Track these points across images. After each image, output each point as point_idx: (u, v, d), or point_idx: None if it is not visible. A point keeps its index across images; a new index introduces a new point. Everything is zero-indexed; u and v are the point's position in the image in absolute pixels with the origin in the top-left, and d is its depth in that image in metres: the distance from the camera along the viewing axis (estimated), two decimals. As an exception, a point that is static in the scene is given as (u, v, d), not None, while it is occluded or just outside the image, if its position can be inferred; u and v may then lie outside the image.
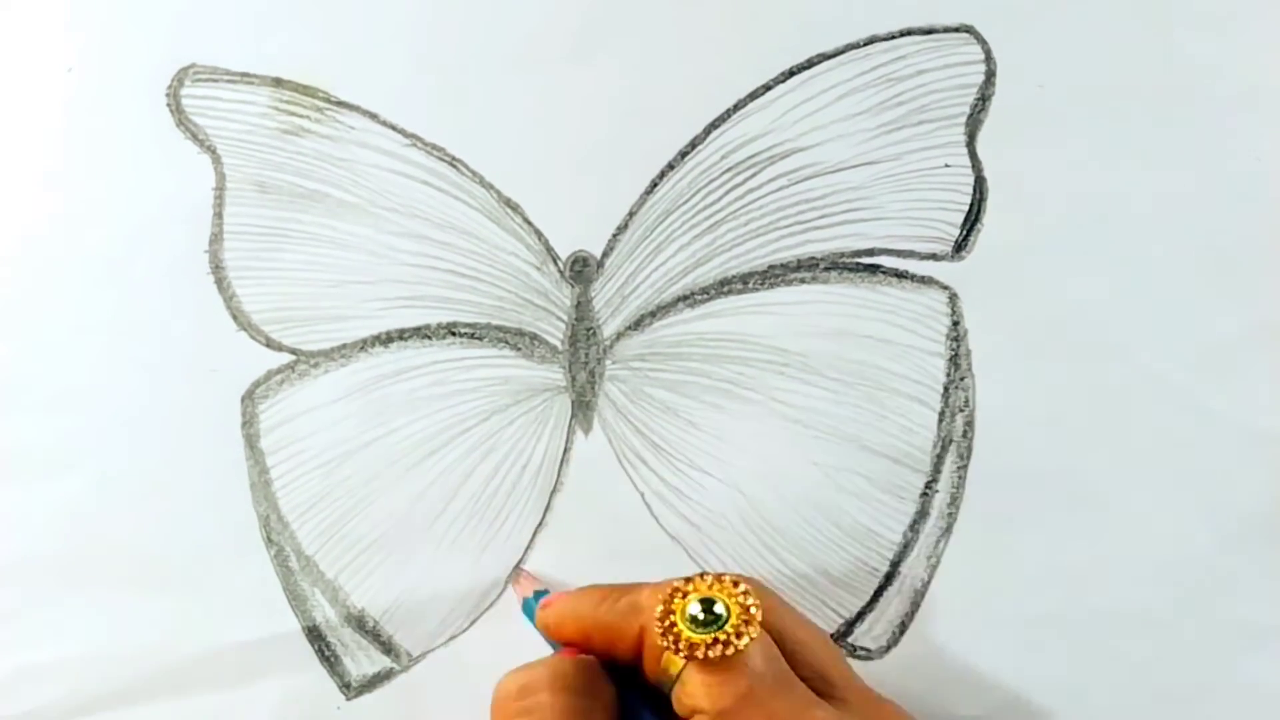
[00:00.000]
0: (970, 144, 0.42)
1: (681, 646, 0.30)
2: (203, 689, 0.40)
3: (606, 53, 0.42)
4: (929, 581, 0.41)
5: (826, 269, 0.42)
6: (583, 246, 0.42)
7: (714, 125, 0.42)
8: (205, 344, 0.41)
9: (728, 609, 0.31)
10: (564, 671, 0.33)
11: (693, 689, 0.31)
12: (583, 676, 0.33)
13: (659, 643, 0.31)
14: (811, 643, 0.34)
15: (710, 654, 0.30)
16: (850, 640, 0.41)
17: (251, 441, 0.41)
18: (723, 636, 0.30)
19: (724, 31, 0.42)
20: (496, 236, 0.42)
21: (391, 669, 0.41)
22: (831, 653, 0.35)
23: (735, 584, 0.32)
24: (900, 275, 0.42)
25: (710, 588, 0.31)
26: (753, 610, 0.31)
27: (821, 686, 0.33)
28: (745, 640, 0.30)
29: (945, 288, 0.42)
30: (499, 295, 0.42)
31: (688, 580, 0.32)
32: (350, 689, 0.41)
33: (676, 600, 0.31)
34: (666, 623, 0.31)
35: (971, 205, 0.42)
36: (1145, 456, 0.41)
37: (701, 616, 0.31)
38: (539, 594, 0.39)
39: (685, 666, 0.31)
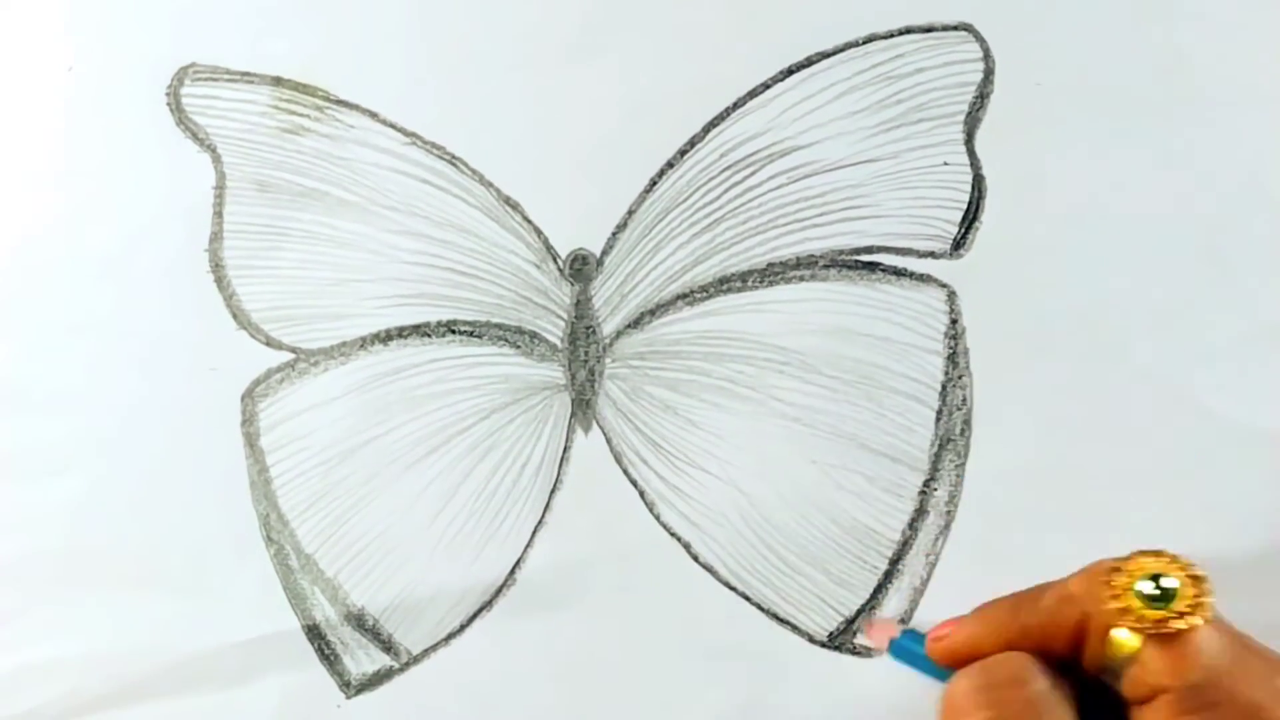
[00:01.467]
0: (969, 142, 0.42)
1: (1144, 623, 0.30)
2: (203, 688, 0.40)
3: (606, 52, 0.42)
4: (928, 579, 0.41)
5: (825, 267, 0.42)
6: (582, 245, 0.42)
7: (713, 124, 0.42)
8: (205, 342, 0.42)
9: (1179, 583, 0.30)
10: (1025, 665, 0.32)
11: (1155, 666, 0.30)
12: (1043, 669, 0.32)
13: (1115, 623, 0.30)
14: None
15: (1177, 626, 0.29)
16: (850, 639, 0.41)
17: (251, 440, 0.41)
18: (1189, 605, 0.30)
19: (723, 30, 0.42)
20: (496, 235, 0.42)
21: (391, 667, 0.41)
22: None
23: (1175, 558, 0.31)
24: (899, 273, 0.42)
25: (1153, 563, 0.31)
26: (1202, 577, 0.30)
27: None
28: (1209, 612, 0.30)
29: (944, 285, 0.42)
30: (498, 293, 0.42)
31: (1125, 559, 0.31)
32: (350, 687, 0.41)
33: (1120, 578, 0.31)
34: (1121, 604, 0.30)
35: (970, 203, 0.42)
36: (1145, 456, 0.41)
37: (1154, 592, 0.30)
38: (908, 633, 0.37)
39: (1144, 645, 0.30)
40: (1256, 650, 0.31)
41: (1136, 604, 0.30)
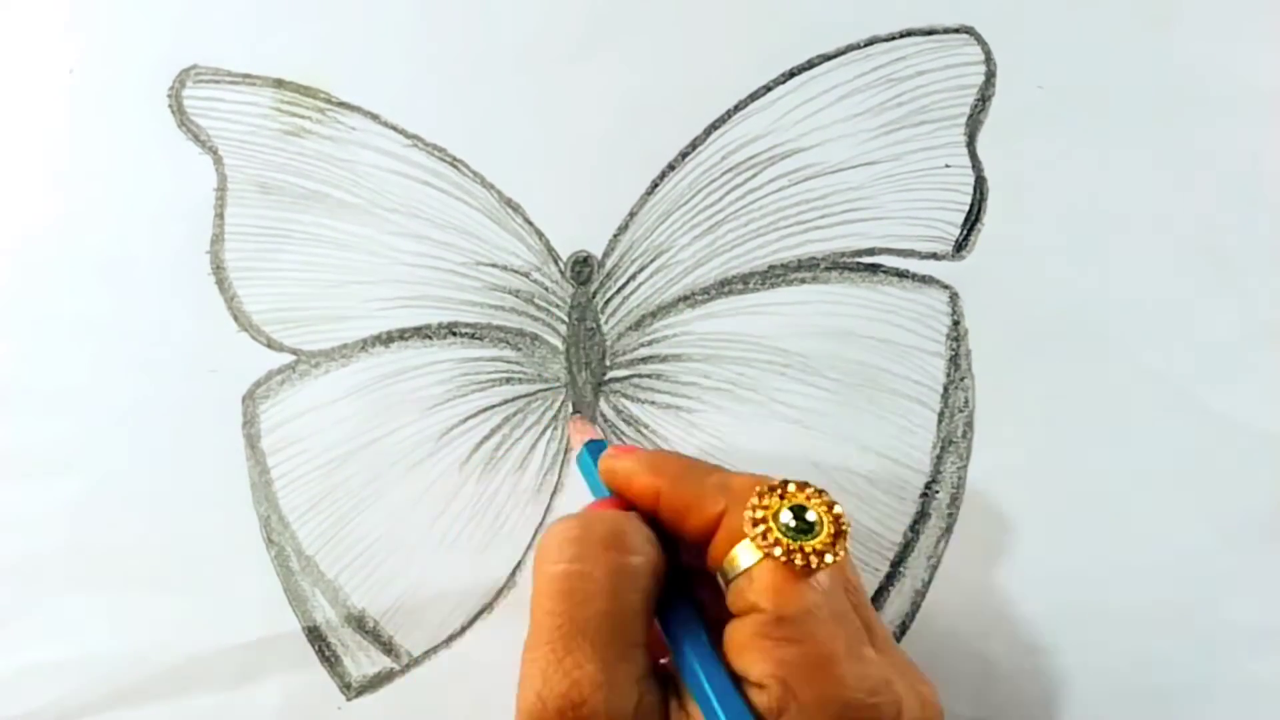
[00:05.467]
0: (970, 144, 0.42)
1: (768, 543, 0.30)
2: (203, 689, 0.40)
3: (607, 53, 0.42)
4: (929, 582, 0.41)
5: (827, 269, 0.42)
6: (583, 247, 0.42)
7: (715, 126, 0.42)
8: (206, 344, 0.41)
9: (820, 521, 0.30)
10: (620, 530, 0.32)
11: (762, 587, 0.30)
12: (639, 538, 0.32)
13: (746, 532, 0.30)
14: (862, 590, 0.33)
15: (796, 560, 0.30)
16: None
17: (252, 442, 0.41)
18: (818, 547, 0.30)
19: (725, 32, 0.42)
20: (497, 237, 0.42)
21: (392, 669, 0.41)
22: (872, 607, 0.34)
23: (829, 501, 0.31)
24: (901, 275, 0.42)
25: (808, 497, 0.31)
26: (844, 529, 0.30)
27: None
28: (834, 558, 0.30)
29: (946, 287, 0.42)
30: (500, 295, 0.42)
31: (784, 482, 0.31)
32: (351, 689, 0.41)
33: (772, 498, 0.31)
34: (759, 515, 0.30)
35: (972, 205, 0.42)
36: (1145, 456, 0.41)
37: (793, 524, 0.30)
38: (596, 443, 0.37)
39: (759, 563, 0.30)
40: (856, 618, 0.31)
41: (774, 526, 0.30)
